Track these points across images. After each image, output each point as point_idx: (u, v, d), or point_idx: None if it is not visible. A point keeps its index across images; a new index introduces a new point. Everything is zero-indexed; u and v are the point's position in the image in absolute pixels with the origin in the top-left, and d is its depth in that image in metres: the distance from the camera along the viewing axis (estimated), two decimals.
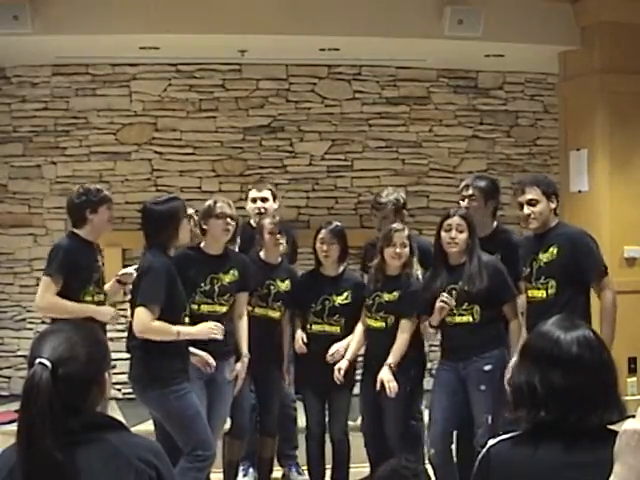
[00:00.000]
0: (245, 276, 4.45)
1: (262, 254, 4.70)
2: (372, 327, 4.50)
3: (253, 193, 5.18)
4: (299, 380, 4.80)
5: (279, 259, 4.71)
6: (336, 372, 4.49)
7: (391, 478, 3.13)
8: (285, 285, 4.68)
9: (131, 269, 4.43)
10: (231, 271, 4.40)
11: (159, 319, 3.89)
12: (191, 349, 4.17)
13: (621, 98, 6.06)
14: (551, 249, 4.23)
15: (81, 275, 4.31)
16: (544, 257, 4.24)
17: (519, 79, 7.07)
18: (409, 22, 5.84)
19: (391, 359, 4.36)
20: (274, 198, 5.20)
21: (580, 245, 4.22)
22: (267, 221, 4.66)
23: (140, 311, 3.89)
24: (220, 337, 4.09)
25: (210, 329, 4.06)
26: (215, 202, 4.40)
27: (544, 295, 4.23)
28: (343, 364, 4.51)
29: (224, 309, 4.36)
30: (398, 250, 4.43)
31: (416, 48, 6.23)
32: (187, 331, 3.97)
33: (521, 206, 4.31)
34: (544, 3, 6.10)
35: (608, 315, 4.21)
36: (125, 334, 4.42)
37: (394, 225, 4.54)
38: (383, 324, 4.46)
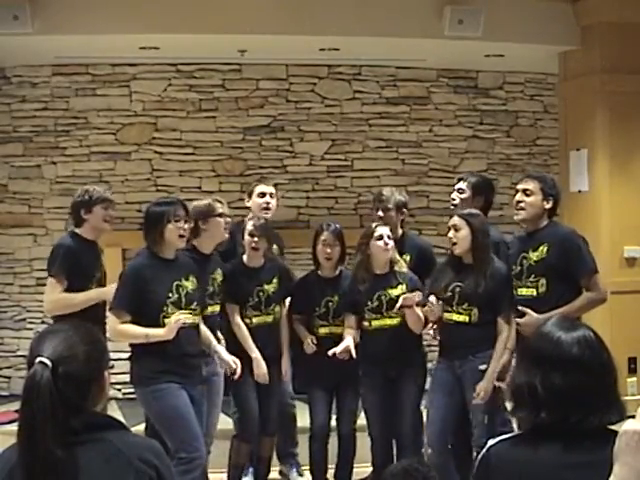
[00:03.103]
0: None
1: (245, 258, 4.66)
2: (390, 326, 4.47)
3: (261, 188, 5.07)
4: (306, 382, 4.78)
5: (262, 261, 4.66)
6: (352, 350, 4.39)
7: (402, 477, 3.14)
8: (273, 286, 4.66)
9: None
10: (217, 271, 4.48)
11: (135, 322, 3.91)
12: (221, 353, 4.24)
13: (621, 98, 6.06)
14: (541, 248, 4.26)
15: (82, 273, 4.34)
16: (534, 255, 4.28)
17: (519, 79, 7.08)
18: (409, 22, 5.83)
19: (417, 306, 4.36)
20: (276, 195, 5.17)
21: (569, 245, 4.24)
22: (249, 223, 4.63)
23: (109, 316, 3.98)
24: (187, 321, 3.95)
25: (175, 324, 3.87)
26: (215, 201, 4.43)
27: (534, 293, 4.27)
28: (350, 342, 4.42)
29: (217, 309, 4.46)
30: (387, 241, 4.46)
31: (416, 48, 6.23)
32: (156, 333, 3.90)
33: (516, 193, 4.41)
34: (544, 3, 6.10)
35: (581, 304, 4.15)
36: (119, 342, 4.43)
37: (373, 223, 4.62)
38: (398, 320, 4.45)
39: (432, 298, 4.32)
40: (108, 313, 3.99)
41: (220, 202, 4.49)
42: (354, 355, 4.41)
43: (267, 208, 5.01)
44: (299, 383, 4.95)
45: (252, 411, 4.59)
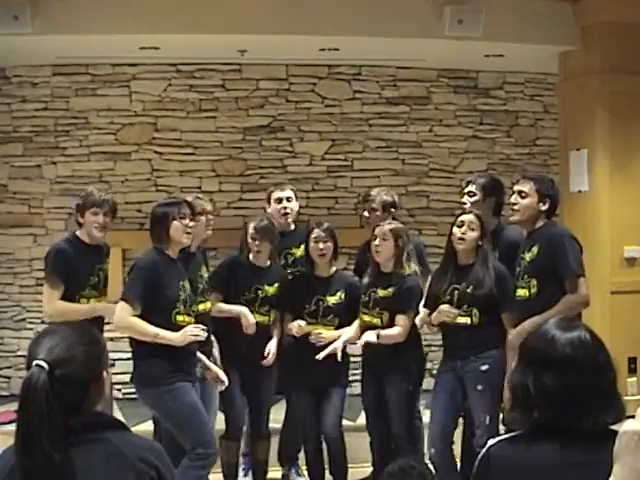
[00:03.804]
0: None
1: (251, 257, 4.68)
2: (369, 323, 4.50)
3: (277, 193, 5.04)
4: (292, 382, 4.75)
5: (268, 262, 4.68)
6: (338, 353, 4.43)
7: (399, 476, 3.17)
8: (273, 289, 4.66)
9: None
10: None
11: (145, 317, 3.88)
12: (205, 362, 4.25)
13: (621, 98, 6.05)
14: (534, 248, 4.23)
15: (76, 277, 4.30)
16: (527, 256, 4.26)
17: (519, 79, 7.07)
18: (409, 22, 5.83)
19: (380, 331, 4.37)
20: (295, 197, 5.12)
21: (556, 245, 4.18)
22: (250, 225, 4.65)
23: (120, 305, 3.92)
24: (204, 337, 4.00)
25: (190, 333, 3.93)
26: (195, 199, 4.45)
27: (527, 294, 4.23)
28: (339, 344, 4.45)
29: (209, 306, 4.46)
30: (377, 242, 4.46)
31: (416, 48, 6.23)
32: (166, 335, 3.88)
33: (512, 194, 4.39)
34: (544, 3, 6.10)
35: (562, 308, 4.01)
36: (124, 334, 4.43)
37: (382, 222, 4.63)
38: (379, 320, 4.46)
39: (446, 307, 4.29)
40: (119, 303, 3.91)
41: (200, 199, 4.52)
42: (339, 358, 4.43)
43: (286, 214, 4.99)
44: (283, 383, 4.87)
45: (237, 408, 4.61)
